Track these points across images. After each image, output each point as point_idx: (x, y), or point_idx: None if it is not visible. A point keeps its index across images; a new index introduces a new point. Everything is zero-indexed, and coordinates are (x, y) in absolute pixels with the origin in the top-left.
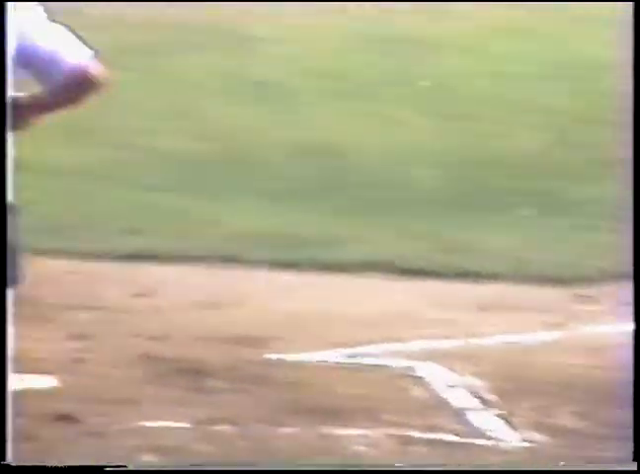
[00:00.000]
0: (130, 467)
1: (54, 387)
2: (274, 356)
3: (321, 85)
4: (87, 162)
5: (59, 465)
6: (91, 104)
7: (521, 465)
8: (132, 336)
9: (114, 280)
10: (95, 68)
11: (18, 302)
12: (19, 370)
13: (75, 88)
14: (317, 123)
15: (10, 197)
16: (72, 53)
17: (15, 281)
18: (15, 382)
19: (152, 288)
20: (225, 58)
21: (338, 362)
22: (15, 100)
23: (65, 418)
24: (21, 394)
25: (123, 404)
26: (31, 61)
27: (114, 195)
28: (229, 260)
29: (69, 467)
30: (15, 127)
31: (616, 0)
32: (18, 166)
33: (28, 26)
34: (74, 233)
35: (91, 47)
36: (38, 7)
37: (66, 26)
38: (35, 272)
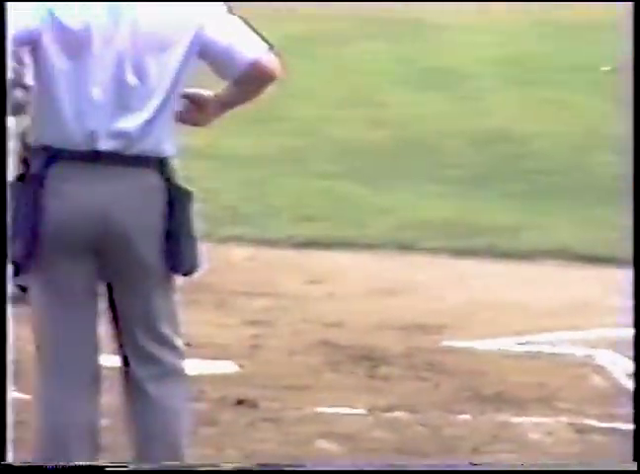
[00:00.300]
0: (131, 467)
1: (234, 372)
2: (450, 344)
3: (500, 72)
4: (265, 150)
5: (59, 465)
6: (270, 92)
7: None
8: (308, 322)
9: (290, 267)
10: (271, 62)
11: (197, 289)
12: (199, 356)
13: (252, 82)
14: (496, 110)
15: (187, 185)
16: (249, 47)
17: (193, 268)
18: (195, 367)
19: (328, 275)
20: (405, 46)
21: (515, 350)
22: (196, 96)
23: (244, 403)
24: (201, 379)
25: (300, 390)
26: (208, 53)
27: (291, 182)
28: (405, 247)
29: (68, 467)
30: (196, 123)
31: (616, 0)
32: (198, 155)
33: (206, 17)
34: (252, 221)
35: (267, 40)
36: None
37: (242, 18)
38: (214, 259)
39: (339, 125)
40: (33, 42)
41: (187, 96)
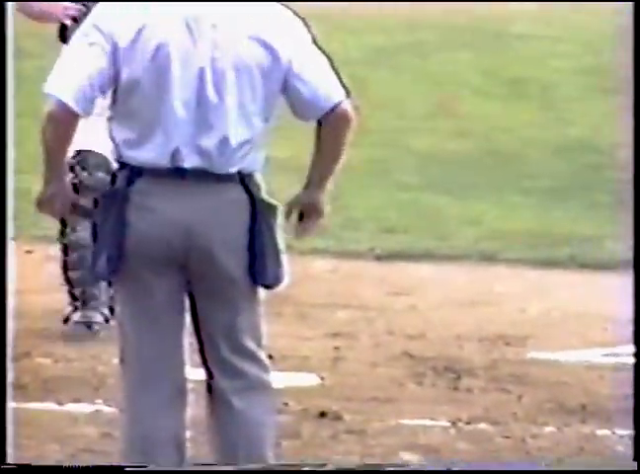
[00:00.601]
0: (151, 467)
1: (316, 384)
2: (533, 355)
3: (583, 81)
4: (347, 162)
5: (60, 465)
6: (353, 104)
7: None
8: (391, 334)
9: (372, 279)
10: (349, 108)
11: (279, 301)
12: (282, 368)
13: (333, 127)
14: (577, 120)
15: (269, 197)
16: (332, 90)
17: (277, 281)
18: (278, 379)
19: (410, 287)
20: (485, 56)
21: (599, 362)
22: (297, 202)
23: (327, 415)
24: (284, 391)
25: (383, 402)
26: (290, 87)
27: (373, 194)
28: (488, 258)
29: (69, 467)
30: (315, 223)
31: (616, 0)
32: (280, 167)
33: (293, 46)
34: (335, 233)
35: (344, 85)
36: (300, 23)
37: (325, 55)
38: (295, 271)
39: (421, 136)
40: (113, 79)
41: (290, 208)
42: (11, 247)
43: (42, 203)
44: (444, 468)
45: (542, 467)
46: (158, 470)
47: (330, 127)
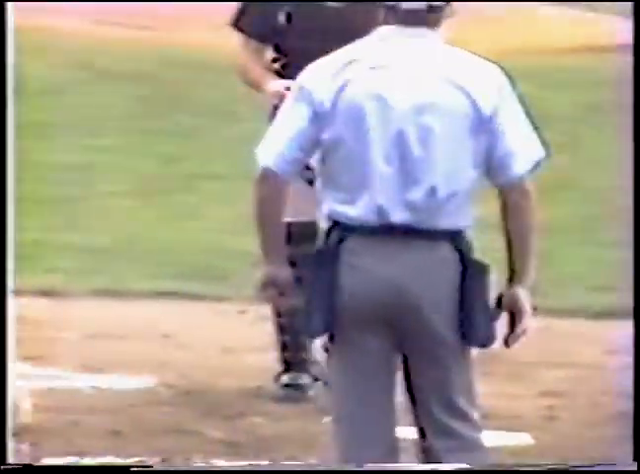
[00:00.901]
0: (157, 468)
1: (530, 444)
2: None
3: None
4: (555, 219)
5: (61, 465)
6: (560, 162)
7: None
8: (606, 394)
9: (587, 338)
10: (531, 186)
11: (491, 360)
12: (494, 427)
13: (518, 210)
14: None
15: (481, 256)
16: (524, 159)
17: (488, 341)
18: (490, 439)
19: (625, 346)
20: None
21: None
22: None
23: None
24: (496, 451)
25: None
26: (487, 148)
27: (583, 251)
28: None
29: (71, 467)
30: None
31: (616, 0)
32: (486, 225)
33: (498, 104)
34: (545, 290)
35: (544, 141)
36: (506, 79)
37: (529, 114)
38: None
39: (631, 194)
40: (315, 140)
41: (494, 311)
42: (222, 307)
43: (260, 288)
44: None
45: (543, 467)
46: (162, 470)
47: (516, 206)
